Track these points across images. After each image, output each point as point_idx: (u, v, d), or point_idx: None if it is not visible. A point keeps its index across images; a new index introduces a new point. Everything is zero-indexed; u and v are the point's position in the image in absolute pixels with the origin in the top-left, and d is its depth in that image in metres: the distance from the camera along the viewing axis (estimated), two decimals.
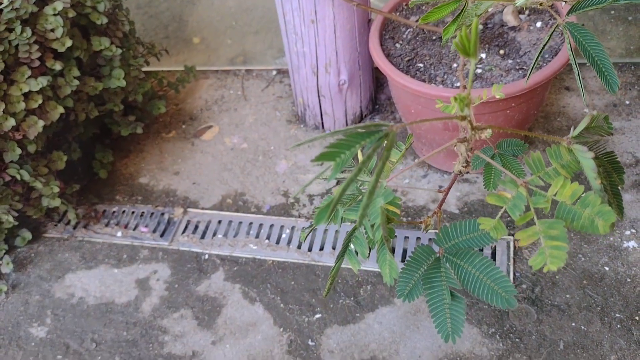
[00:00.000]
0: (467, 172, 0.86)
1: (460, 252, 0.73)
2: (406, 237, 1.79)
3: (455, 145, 0.78)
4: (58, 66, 1.60)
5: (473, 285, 0.71)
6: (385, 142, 0.60)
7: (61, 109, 1.62)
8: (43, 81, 1.55)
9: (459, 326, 0.73)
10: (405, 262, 0.78)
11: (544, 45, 0.92)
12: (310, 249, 1.81)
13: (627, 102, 1.98)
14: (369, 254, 0.79)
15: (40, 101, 1.56)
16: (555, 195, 0.69)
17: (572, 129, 0.72)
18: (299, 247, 1.82)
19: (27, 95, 1.57)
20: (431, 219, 0.83)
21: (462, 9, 0.94)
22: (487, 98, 1.53)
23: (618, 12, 2.22)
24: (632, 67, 2.08)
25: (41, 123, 1.57)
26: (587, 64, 2.10)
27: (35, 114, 1.60)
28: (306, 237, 0.88)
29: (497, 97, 1.08)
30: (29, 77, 1.55)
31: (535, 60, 0.89)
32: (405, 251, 1.76)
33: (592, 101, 2.01)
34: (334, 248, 1.79)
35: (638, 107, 1.96)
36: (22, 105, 1.54)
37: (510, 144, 1.10)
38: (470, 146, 0.75)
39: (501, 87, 1.14)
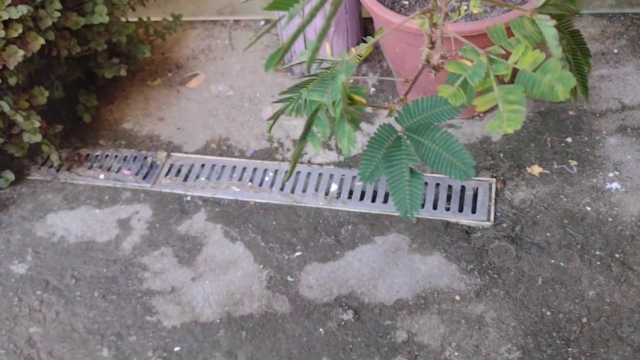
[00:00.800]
0: (437, 68, 0.85)
1: (421, 129, 0.72)
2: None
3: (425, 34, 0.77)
4: None
5: (433, 160, 0.70)
6: None
7: (42, 40, 1.61)
8: (23, 9, 1.53)
9: (417, 202, 0.72)
10: (368, 143, 0.77)
11: None
12: (292, 191, 1.80)
13: (615, 51, 1.96)
14: (331, 135, 0.78)
15: (20, 30, 1.55)
16: (516, 63, 0.68)
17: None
18: (282, 188, 1.81)
19: (7, 24, 1.55)
20: (396, 104, 0.82)
21: None
22: (470, 32, 1.52)
23: None
24: (622, 17, 2.06)
25: (21, 53, 1.56)
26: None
27: (16, 43, 1.58)
28: (271, 127, 0.87)
29: (475, 11, 1.06)
30: (9, 5, 1.53)
31: None
32: (387, 194, 1.75)
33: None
34: (316, 190, 1.78)
35: (626, 56, 1.94)
36: (2, 33, 1.52)
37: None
38: (434, 21, 0.73)
39: (479, 2, 1.13)
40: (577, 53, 0.74)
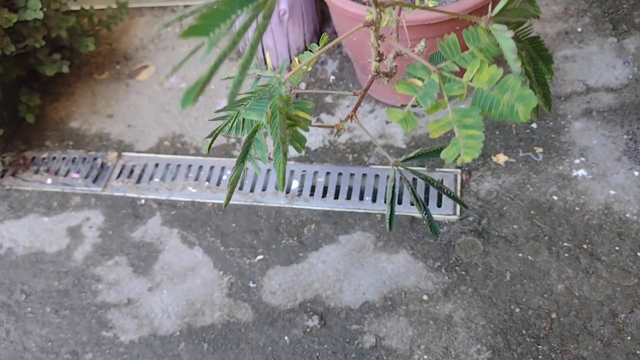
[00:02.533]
0: (389, 74, 0.77)
1: None
2: (351, 174, 1.71)
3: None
4: None
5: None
6: (263, 10, 0.50)
7: None
8: None
9: None
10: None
11: None
12: (252, 190, 1.72)
13: (579, 30, 1.91)
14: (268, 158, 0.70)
15: None
16: (471, 80, 0.61)
17: (489, 8, 0.63)
18: (241, 188, 1.73)
19: None
20: (344, 122, 0.75)
21: None
22: (423, 19, 1.44)
23: None
24: None
25: None
26: None
27: None
28: (209, 147, 0.78)
29: (431, 4, 0.98)
30: None
31: None
32: (350, 189, 1.68)
33: (544, 29, 1.93)
34: (277, 188, 1.71)
35: (590, 35, 1.89)
36: None
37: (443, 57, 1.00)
38: (380, 33, 0.65)
39: None
40: (538, 62, 0.67)
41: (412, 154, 0.78)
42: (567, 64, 1.83)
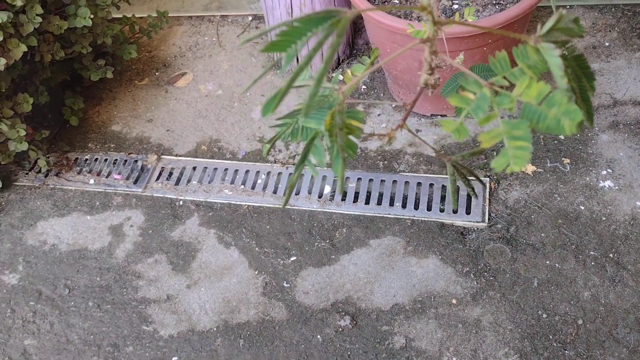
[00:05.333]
0: (434, 86, 0.83)
1: None
2: (382, 181, 1.77)
3: (424, 67, 0.75)
4: (19, 2, 1.53)
5: None
6: (336, 29, 0.57)
7: (24, 47, 1.56)
8: (3, 16, 1.48)
9: None
10: None
11: None
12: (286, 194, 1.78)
13: (607, 44, 1.95)
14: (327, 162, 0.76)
15: (0, 38, 1.50)
16: (520, 95, 0.67)
17: (538, 27, 0.68)
18: (275, 191, 1.79)
19: None
20: (395, 132, 0.80)
21: None
22: (462, 32, 1.49)
23: None
24: (613, 9, 2.05)
25: (2, 61, 1.51)
26: (567, 6, 2.06)
27: None
28: (268, 151, 0.85)
29: (470, 20, 1.04)
30: None
31: None
32: (381, 195, 1.74)
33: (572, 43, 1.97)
34: (309, 192, 1.77)
35: (617, 49, 1.93)
36: None
37: (482, 69, 1.06)
38: (434, 48, 0.71)
39: (473, 10, 1.11)
40: (582, 79, 0.72)
41: (463, 154, 0.85)
42: (595, 77, 1.87)
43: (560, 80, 0.64)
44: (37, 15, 1.59)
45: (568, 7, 2.07)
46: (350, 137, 0.80)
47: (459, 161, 0.85)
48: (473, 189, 0.90)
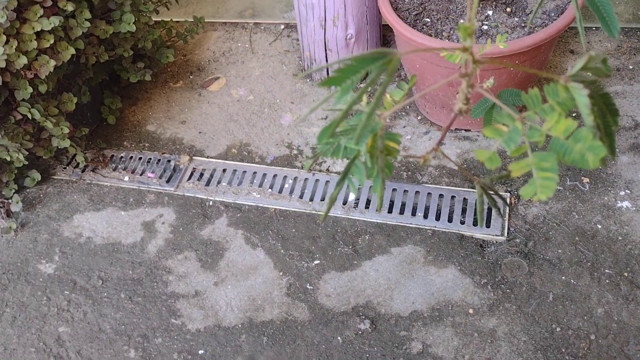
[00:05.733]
0: (467, 111, 0.90)
1: None
2: (405, 191, 1.83)
3: (456, 93, 0.81)
4: (70, 7, 1.62)
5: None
6: (388, 67, 0.64)
7: (72, 50, 1.65)
8: (55, 21, 1.57)
9: None
10: None
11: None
12: (311, 199, 1.85)
13: (631, 67, 1.99)
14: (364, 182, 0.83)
15: (52, 41, 1.59)
16: (549, 130, 0.73)
17: (569, 67, 0.75)
18: (301, 196, 1.87)
19: (39, 35, 1.59)
20: (430, 154, 0.87)
21: None
22: (491, 54, 1.55)
23: None
24: (638, 33, 2.09)
25: (52, 63, 1.60)
26: (594, 28, 2.11)
27: (47, 53, 1.63)
28: (310, 166, 0.92)
29: (501, 47, 1.10)
30: (41, 16, 1.57)
31: (535, 11, 0.92)
32: (403, 205, 1.80)
33: (596, 65, 2.02)
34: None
35: None
36: (34, 44, 1.56)
37: (511, 93, 1.12)
38: (471, 82, 0.78)
39: (505, 38, 1.17)
40: (606, 115, 0.78)
41: (492, 177, 0.91)
42: (617, 99, 1.92)
43: (587, 117, 0.71)
44: (85, 20, 1.68)
45: (594, 28, 2.11)
46: (388, 157, 0.87)
47: (487, 183, 0.91)
48: (499, 210, 0.96)
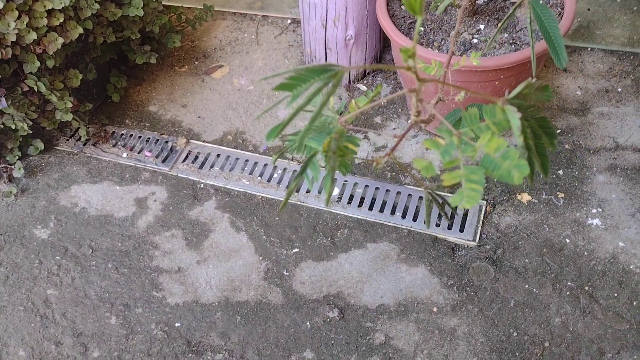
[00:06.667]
0: (427, 121, 0.97)
1: None
2: (387, 190, 1.91)
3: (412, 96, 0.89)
4: None
5: None
6: (333, 80, 0.72)
7: (80, 30, 1.74)
8: (66, 0, 1.66)
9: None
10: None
11: (506, 18, 1.01)
12: (297, 190, 1.94)
13: (619, 90, 2.05)
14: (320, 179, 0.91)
15: (61, 19, 1.68)
16: (482, 146, 0.80)
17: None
18: (288, 187, 1.95)
19: (50, 13, 1.68)
20: (383, 159, 0.95)
21: None
22: (478, 67, 1.62)
23: (626, 0, 2.26)
24: (632, 57, 2.14)
25: (61, 40, 1.69)
26: (589, 49, 2.16)
27: (56, 31, 1.71)
28: (275, 160, 1.00)
29: (475, 64, 1.17)
30: None
31: (494, 36, 0.98)
32: (384, 203, 1.88)
33: (586, 85, 2.08)
34: (319, 192, 1.92)
35: (629, 96, 2.03)
36: (45, 21, 1.65)
37: (478, 107, 1.19)
38: (420, 97, 0.85)
39: (479, 55, 1.23)
40: (541, 137, 0.85)
41: (438, 184, 0.99)
42: (602, 120, 1.98)
43: (518, 138, 0.78)
44: (95, 1, 1.76)
45: (589, 49, 2.17)
46: (345, 158, 0.95)
47: (434, 190, 0.99)
48: (446, 214, 1.04)
